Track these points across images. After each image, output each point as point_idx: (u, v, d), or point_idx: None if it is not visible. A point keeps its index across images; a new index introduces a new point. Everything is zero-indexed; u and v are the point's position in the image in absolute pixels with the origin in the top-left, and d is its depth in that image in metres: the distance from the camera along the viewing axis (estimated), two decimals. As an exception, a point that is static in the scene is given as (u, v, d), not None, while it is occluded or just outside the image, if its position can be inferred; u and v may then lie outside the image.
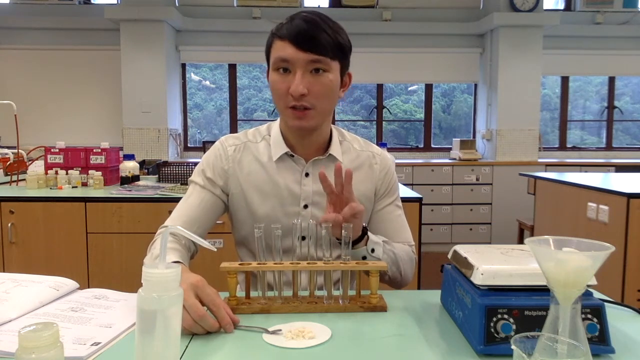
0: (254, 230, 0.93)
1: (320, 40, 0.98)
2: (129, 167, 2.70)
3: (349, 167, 1.15)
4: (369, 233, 1.03)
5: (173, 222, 1.07)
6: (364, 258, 1.02)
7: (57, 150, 2.66)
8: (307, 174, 1.12)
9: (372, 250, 1.02)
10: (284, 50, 0.99)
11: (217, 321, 0.79)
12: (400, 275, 1.11)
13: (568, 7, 5.44)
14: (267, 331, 0.79)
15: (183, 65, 5.37)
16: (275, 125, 1.15)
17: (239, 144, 1.15)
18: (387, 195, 1.19)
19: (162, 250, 0.61)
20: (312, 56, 0.99)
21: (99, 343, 0.74)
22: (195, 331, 0.78)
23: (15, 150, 2.84)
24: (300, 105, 1.01)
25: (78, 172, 2.62)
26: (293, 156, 1.12)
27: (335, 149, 1.14)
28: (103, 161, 2.65)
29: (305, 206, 1.11)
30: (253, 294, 0.95)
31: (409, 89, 5.80)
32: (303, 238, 1.07)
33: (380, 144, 2.56)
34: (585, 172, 4.53)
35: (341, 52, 1.03)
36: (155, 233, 1.11)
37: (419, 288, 2.30)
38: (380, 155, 1.20)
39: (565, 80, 5.54)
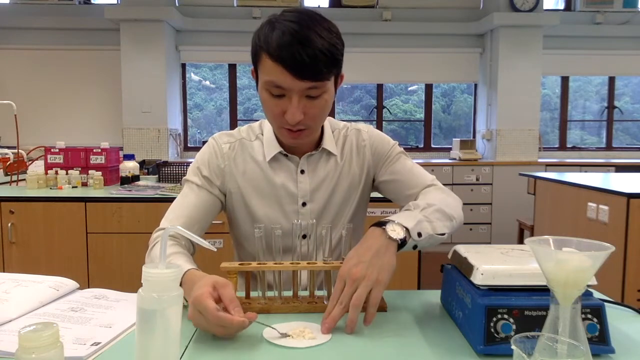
0: (254, 230, 0.92)
1: (320, 66, 0.90)
2: (129, 167, 2.70)
3: (342, 155, 1.13)
4: (403, 223, 0.90)
5: (171, 223, 1.04)
6: (415, 247, 0.92)
7: (57, 150, 2.66)
8: (302, 171, 1.11)
9: (419, 235, 0.91)
10: (277, 77, 0.91)
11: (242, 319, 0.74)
12: (455, 220, 1.03)
13: (568, 7, 5.44)
14: (277, 332, 0.78)
15: (183, 65, 5.37)
16: (268, 124, 1.12)
17: (233, 141, 1.13)
18: (389, 161, 1.15)
19: (162, 251, 0.61)
20: (310, 84, 0.92)
21: (99, 343, 0.74)
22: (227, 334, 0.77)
23: (15, 150, 2.84)
24: (296, 128, 0.98)
25: (78, 172, 2.62)
26: (287, 155, 1.10)
27: (328, 143, 1.12)
28: (103, 161, 2.65)
29: (304, 204, 1.10)
30: (253, 294, 0.95)
31: (409, 89, 5.80)
32: (304, 236, 1.07)
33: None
34: (585, 172, 4.53)
35: (337, 67, 0.96)
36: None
37: (419, 288, 2.30)
38: (368, 132, 1.17)
39: (565, 80, 5.54)
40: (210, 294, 0.75)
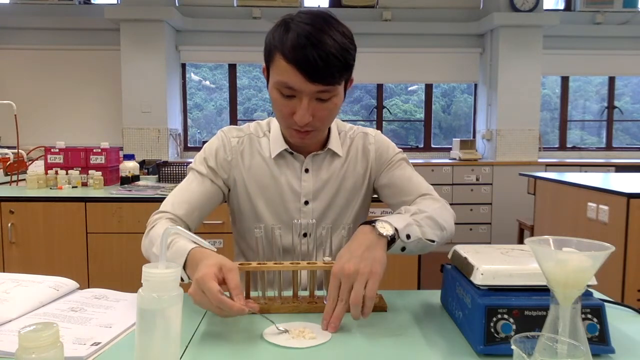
0: (255, 230, 0.93)
1: (332, 70, 0.90)
2: (129, 167, 2.70)
3: (347, 157, 1.14)
4: (392, 223, 0.88)
5: (173, 208, 1.06)
6: (403, 250, 0.91)
7: (57, 150, 2.66)
8: (306, 170, 1.12)
9: (408, 237, 0.89)
10: (289, 78, 0.91)
11: (238, 305, 0.75)
12: (446, 230, 1.00)
13: (568, 7, 5.44)
14: (277, 327, 0.79)
15: (183, 65, 5.37)
16: (275, 122, 1.14)
17: (242, 136, 1.14)
18: (390, 166, 1.16)
19: (162, 251, 0.61)
20: (321, 87, 0.92)
21: (99, 343, 0.74)
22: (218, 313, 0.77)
23: (15, 150, 2.84)
24: (304, 129, 0.99)
25: (78, 172, 2.61)
26: (292, 153, 1.11)
27: (334, 143, 1.13)
28: (103, 161, 2.65)
29: (306, 202, 1.11)
30: (253, 294, 0.95)
31: (409, 89, 5.80)
32: (304, 235, 1.07)
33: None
34: (585, 172, 4.53)
35: (348, 71, 0.96)
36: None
37: (419, 288, 2.30)
38: (375, 136, 1.19)
39: (565, 80, 5.54)
40: (215, 275, 0.76)
